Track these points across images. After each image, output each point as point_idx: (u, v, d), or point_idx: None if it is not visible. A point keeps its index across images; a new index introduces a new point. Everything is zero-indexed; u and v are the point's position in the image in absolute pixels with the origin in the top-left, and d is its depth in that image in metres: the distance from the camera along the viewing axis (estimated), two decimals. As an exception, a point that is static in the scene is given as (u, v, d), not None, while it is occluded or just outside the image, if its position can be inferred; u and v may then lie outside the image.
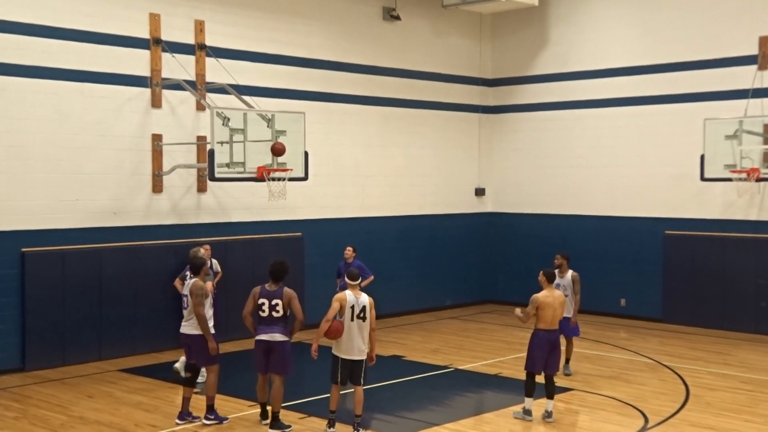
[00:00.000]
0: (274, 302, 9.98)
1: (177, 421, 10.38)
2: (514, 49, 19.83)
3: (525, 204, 19.72)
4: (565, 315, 12.68)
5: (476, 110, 19.93)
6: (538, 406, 10.68)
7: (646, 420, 10.60)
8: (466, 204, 19.89)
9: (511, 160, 19.97)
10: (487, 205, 20.30)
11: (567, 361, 13.00)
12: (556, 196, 19.15)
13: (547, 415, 10.54)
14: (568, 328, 12.82)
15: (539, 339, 10.56)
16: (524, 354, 10.93)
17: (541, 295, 10.57)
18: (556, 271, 12.79)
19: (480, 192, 20.11)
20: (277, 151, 13.26)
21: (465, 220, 19.80)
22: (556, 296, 10.68)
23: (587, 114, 18.62)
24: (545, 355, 10.56)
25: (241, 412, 10.83)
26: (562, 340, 12.99)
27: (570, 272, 12.84)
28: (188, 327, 10.27)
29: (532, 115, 19.54)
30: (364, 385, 9.89)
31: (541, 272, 10.84)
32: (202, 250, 12.70)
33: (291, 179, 13.66)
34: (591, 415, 10.93)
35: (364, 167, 17.73)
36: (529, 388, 10.55)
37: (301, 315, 10.05)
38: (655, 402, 11.44)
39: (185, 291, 10.31)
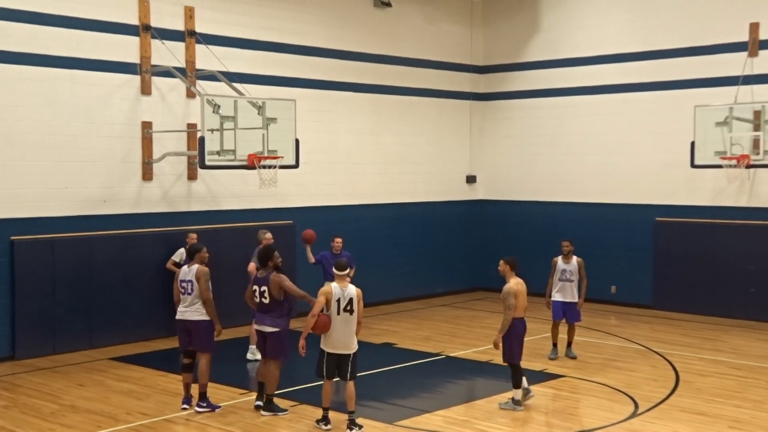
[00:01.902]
0: (262, 289, 10.02)
1: (183, 405, 10.35)
2: (506, 35, 19.78)
3: (516, 191, 19.72)
4: (570, 300, 12.88)
5: (467, 97, 19.89)
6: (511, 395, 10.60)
7: (637, 406, 10.62)
8: (457, 191, 19.87)
9: (502, 147, 19.95)
10: (479, 193, 20.29)
11: (569, 344, 13.20)
12: (548, 183, 19.14)
13: (517, 402, 10.47)
14: (573, 314, 12.97)
15: (517, 329, 10.45)
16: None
17: (514, 284, 10.44)
18: (560, 257, 12.95)
19: (471, 179, 20.09)
20: (308, 239, 13.80)
21: (456, 207, 19.78)
22: (522, 283, 10.61)
23: (578, 101, 18.60)
24: (522, 343, 10.54)
25: (233, 399, 10.82)
26: (562, 327, 13.14)
27: (575, 258, 13.08)
28: (190, 313, 10.22)
29: (523, 102, 19.51)
30: (350, 379, 9.58)
31: (504, 261, 10.58)
32: (269, 235, 12.70)
33: (282, 167, 13.61)
34: (582, 402, 10.96)
35: (356, 155, 17.68)
36: (518, 379, 10.44)
37: (298, 292, 10.02)
38: (646, 388, 11.47)
39: (189, 277, 10.21)
